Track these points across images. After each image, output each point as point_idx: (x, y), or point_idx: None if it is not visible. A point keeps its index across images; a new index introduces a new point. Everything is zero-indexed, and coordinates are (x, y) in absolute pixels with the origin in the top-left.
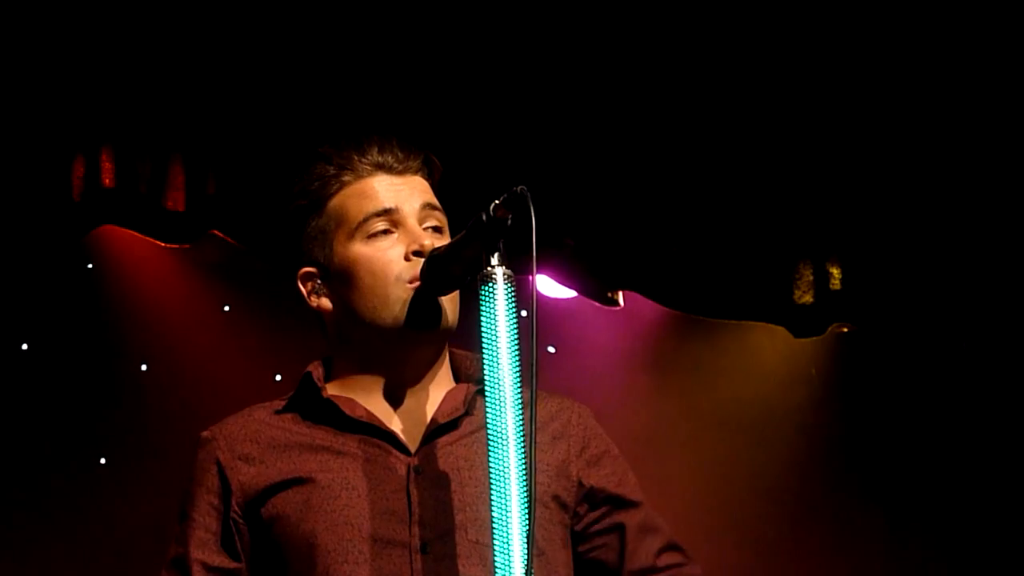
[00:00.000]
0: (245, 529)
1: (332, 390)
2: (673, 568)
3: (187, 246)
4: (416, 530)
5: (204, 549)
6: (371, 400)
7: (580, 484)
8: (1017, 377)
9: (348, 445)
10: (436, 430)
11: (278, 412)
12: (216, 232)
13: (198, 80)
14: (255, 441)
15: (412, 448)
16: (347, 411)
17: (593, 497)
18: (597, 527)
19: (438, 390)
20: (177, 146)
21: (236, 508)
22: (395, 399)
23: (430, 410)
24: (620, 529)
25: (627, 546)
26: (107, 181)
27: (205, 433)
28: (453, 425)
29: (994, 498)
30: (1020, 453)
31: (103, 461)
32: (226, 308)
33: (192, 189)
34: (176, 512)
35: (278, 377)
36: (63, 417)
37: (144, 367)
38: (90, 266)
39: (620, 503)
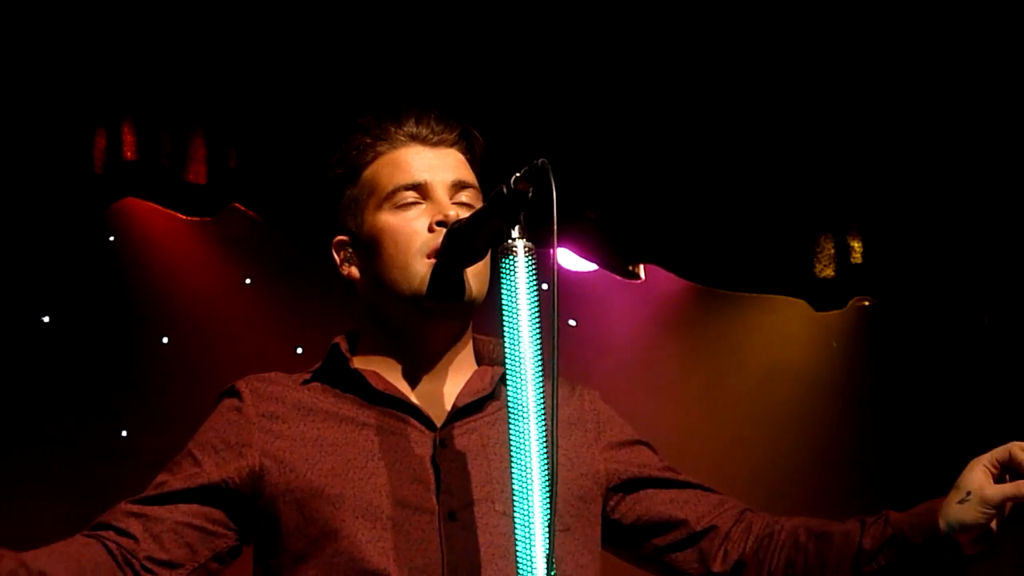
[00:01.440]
0: (249, 485)
1: (358, 363)
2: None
3: (208, 219)
4: (443, 498)
5: (189, 482)
6: (396, 375)
7: (605, 469)
8: None
9: (373, 417)
10: (461, 410)
11: (305, 383)
12: (237, 205)
13: (220, 53)
14: (281, 401)
15: (437, 424)
16: (373, 384)
17: (622, 485)
18: (645, 518)
19: (462, 372)
20: (199, 119)
21: (249, 465)
22: (419, 376)
23: (454, 390)
24: (670, 516)
25: (684, 523)
26: (129, 154)
27: (234, 384)
28: (478, 406)
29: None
30: None
31: (124, 433)
32: (248, 281)
33: (213, 162)
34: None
35: (299, 350)
36: (84, 389)
37: (165, 340)
38: (112, 239)
39: (651, 483)
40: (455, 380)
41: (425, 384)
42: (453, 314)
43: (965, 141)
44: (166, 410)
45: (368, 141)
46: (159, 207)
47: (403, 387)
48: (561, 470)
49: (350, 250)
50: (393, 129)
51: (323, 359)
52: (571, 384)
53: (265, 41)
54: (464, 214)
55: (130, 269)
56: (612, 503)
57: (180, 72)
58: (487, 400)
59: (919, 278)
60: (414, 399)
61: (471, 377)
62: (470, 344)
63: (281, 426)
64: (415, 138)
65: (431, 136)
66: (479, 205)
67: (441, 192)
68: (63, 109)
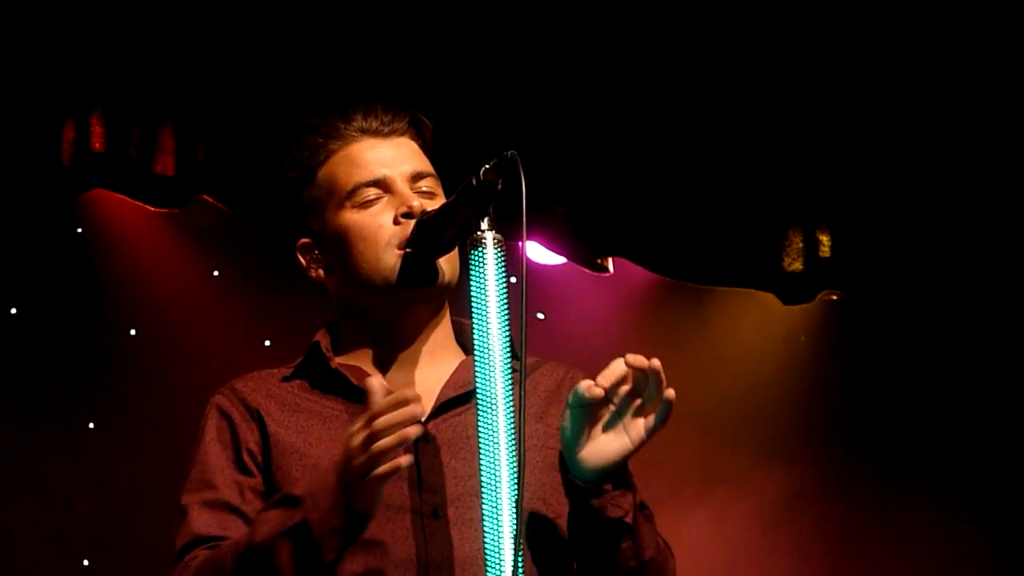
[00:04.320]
0: (261, 481)
1: (339, 359)
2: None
3: (176, 211)
4: (426, 496)
5: (238, 494)
6: (378, 370)
7: None
8: (1005, 345)
9: (356, 413)
10: (447, 403)
11: (286, 379)
12: (206, 197)
13: (189, 45)
14: (265, 401)
15: (421, 418)
16: (355, 381)
17: None
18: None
19: (443, 358)
20: (167, 110)
21: (252, 461)
22: (403, 366)
23: (438, 378)
24: None
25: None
26: (97, 145)
27: (219, 392)
28: (464, 399)
29: (981, 459)
30: (1006, 419)
31: (91, 426)
32: (215, 273)
33: (182, 154)
34: (189, 480)
35: (267, 342)
36: (51, 382)
37: (133, 332)
38: (80, 230)
39: None
40: (436, 368)
41: (407, 374)
42: (427, 300)
43: (933, 136)
44: (133, 402)
45: (319, 141)
46: (127, 199)
47: (388, 381)
48: (548, 458)
49: (316, 252)
50: (342, 125)
51: (303, 354)
52: (567, 368)
53: (234, 33)
54: (427, 203)
55: (98, 261)
56: None
57: (149, 64)
58: (472, 392)
59: (887, 272)
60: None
61: (457, 368)
62: (448, 328)
63: (269, 425)
64: (366, 131)
65: (382, 128)
66: (439, 192)
67: (402, 184)
68: (32, 100)
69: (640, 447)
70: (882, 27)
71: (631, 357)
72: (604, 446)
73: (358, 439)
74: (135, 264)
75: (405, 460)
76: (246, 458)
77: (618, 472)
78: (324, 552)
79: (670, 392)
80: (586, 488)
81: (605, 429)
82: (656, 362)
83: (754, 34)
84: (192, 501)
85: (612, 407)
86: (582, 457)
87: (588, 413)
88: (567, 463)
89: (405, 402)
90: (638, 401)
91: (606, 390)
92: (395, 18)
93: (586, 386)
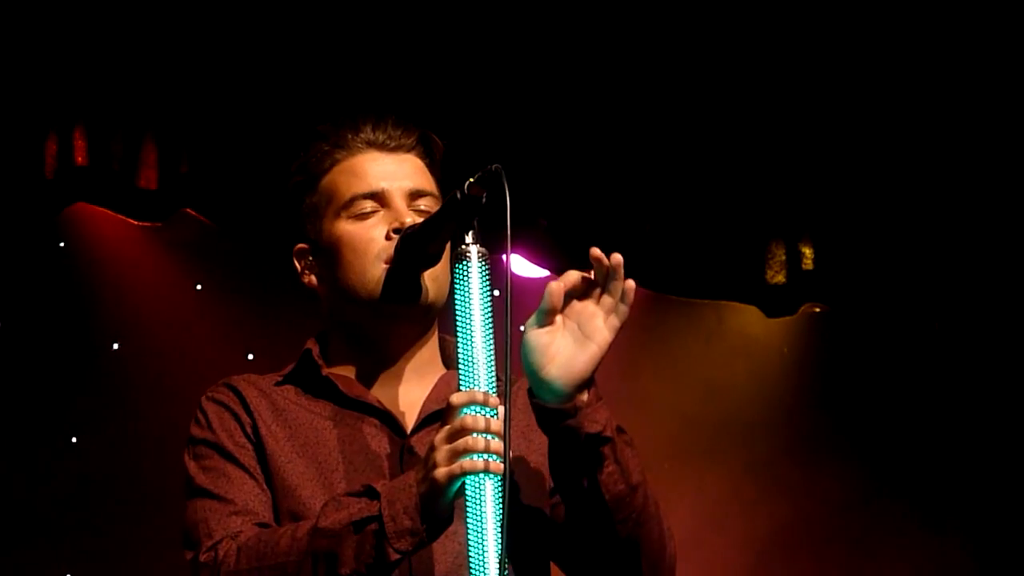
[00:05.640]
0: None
1: (329, 368)
2: None
3: (159, 224)
4: None
5: (257, 501)
6: (365, 380)
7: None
8: (989, 356)
9: (344, 423)
10: (430, 416)
11: (278, 384)
12: (189, 210)
13: (171, 59)
14: (258, 400)
15: (407, 430)
16: (344, 390)
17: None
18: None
19: (428, 375)
20: (150, 124)
21: (253, 448)
22: (385, 380)
23: (422, 394)
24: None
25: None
26: (80, 159)
27: (208, 392)
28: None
29: (964, 469)
30: (990, 430)
31: (74, 440)
32: (198, 287)
33: (165, 167)
34: (199, 468)
35: (250, 356)
36: (34, 396)
37: (116, 345)
38: (62, 244)
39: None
40: (422, 384)
41: (392, 388)
42: (412, 318)
43: (916, 149)
44: (116, 416)
45: (326, 148)
46: (110, 212)
47: (373, 392)
48: (530, 483)
49: (310, 258)
50: (350, 136)
51: (290, 363)
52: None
53: (216, 47)
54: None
55: (81, 274)
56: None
57: (132, 78)
58: None
59: (870, 285)
60: (386, 404)
61: (437, 383)
62: (435, 346)
63: (261, 425)
64: (372, 144)
65: (389, 142)
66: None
67: (399, 200)
68: (14, 114)
69: (607, 349)
70: (864, 41)
71: (595, 250)
72: (573, 359)
73: (442, 434)
74: (118, 278)
75: (495, 466)
76: (248, 445)
77: (588, 384)
78: (389, 551)
79: (630, 283)
80: (559, 409)
81: (564, 347)
82: (618, 257)
83: (737, 48)
84: (207, 482)
85: (559, 321)
86: (554, 377)
87: (545, 334)
88: (535, 390)
89: (484, 398)
90: (592, 308)
91: (566, 292)
92: (377, 33)
93: (550, 289)
